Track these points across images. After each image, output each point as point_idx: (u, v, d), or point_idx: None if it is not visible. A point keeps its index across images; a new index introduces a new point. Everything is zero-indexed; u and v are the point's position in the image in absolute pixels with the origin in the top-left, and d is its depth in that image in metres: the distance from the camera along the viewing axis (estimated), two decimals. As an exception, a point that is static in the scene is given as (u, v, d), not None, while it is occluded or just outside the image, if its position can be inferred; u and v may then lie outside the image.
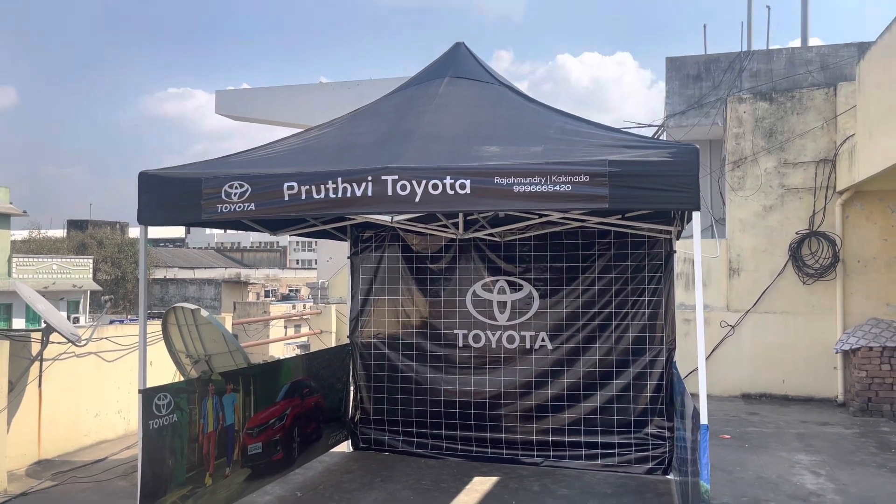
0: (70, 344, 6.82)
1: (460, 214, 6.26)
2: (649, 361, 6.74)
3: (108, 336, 7.72)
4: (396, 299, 7.50)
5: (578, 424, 6.88)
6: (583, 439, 6.86)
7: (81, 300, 39.49)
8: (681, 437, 5.48)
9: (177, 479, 4.78)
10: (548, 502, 5.87)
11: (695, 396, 4.47)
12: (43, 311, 6.46)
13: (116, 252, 50.99)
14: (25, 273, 36.78)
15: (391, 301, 7.52)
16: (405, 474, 6.65)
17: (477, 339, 7.22)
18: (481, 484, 6.37)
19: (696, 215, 3.75)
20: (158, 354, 7.73)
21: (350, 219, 6.37)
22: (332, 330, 12.21)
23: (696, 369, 3.95)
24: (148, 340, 8.07)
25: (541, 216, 6.43)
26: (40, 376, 6.93)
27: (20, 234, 55.20)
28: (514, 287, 7.15)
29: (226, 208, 4.36)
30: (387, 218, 6.52)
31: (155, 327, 7.71)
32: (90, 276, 40.92)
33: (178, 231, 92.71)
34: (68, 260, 40.44)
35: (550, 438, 6.94)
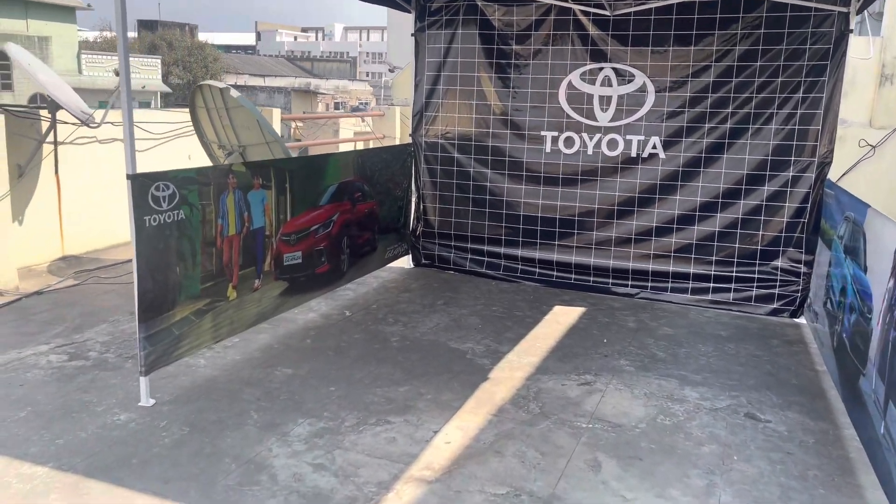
0: (84, 125, 5.78)
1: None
2: (792, 178, 5.24)
3: (137, 122, 6.62)
4: (471, 90, 6.06)
5: (688, 252, 5.59)
6: (692, 270, 5.59)
7: (152, 102, 39.17)
8: (839, 274, 4.14)
9: (188, 290, 3.80)
10: (647, 343, 4.75)
11: None
12: (46, 82, 5.35)
13: (186, 55, 49.90)
14: (95, 71, 36.33)
15: (464, 92, 6.09)
16: (472, 298, 5.61)
17: (569, 142, 5.81)
18: (563, 315, 5.29)
19: None
20: (197, 147, 6.67)
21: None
22: (395, 135, 10.95)
23: None
24: (181, 131, 7.01)
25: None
26: (56, 162, 6.00)
27: (91, 35, 54.48)
28: (624, 77, 5.57)
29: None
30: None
31: (187, 115, 6.58)
32: (159, 76, 40.28)
33: (248, 38, 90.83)
34: (137, 59, 39.60)
35: (650, 266, 5.71)
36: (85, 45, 41.82)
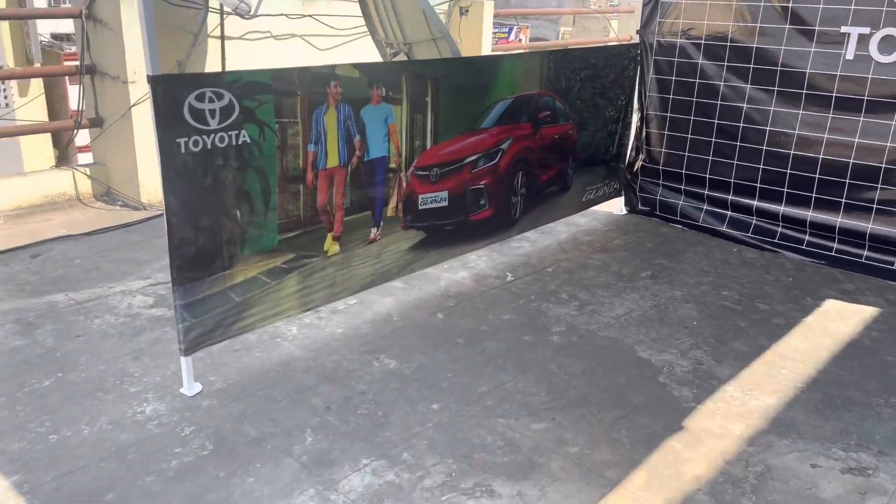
0: (237, 15, 4.95)
1: None
2: None
3: (316, 13, 5.72)
4: (734, -36, 4.12)
5: None
6: None
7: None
8: None
9: (258, 241, 2.75)
10: None
11: None
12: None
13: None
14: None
15: (724, -32, 4.16)
16: (697, 271, 3.92)
17: (889, 45, 3.68)
18: (838, 317, 3.42)
19: None
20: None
21: None
22: (647, 36, 8.89)
23: None
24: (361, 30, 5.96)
25: None
26: (223, 59, 5.30)
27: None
28: None
29: None
30: None
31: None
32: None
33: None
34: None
35: None
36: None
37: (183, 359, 2.65)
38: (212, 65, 5.29)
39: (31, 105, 6.43)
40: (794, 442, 2.48)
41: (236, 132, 2.57)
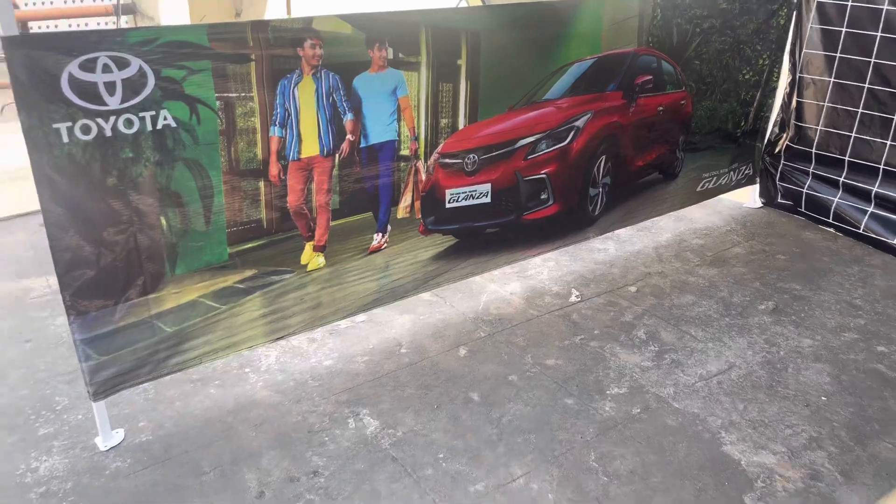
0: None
1: None
2: None
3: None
4: None
5: None
6: None
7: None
8: None
9: (195, 257, 2.08)
10: None
11: None
12: None
13: None
14: None
15: None
16: (845, 307, 2.79)
17: None
18: None
19: None
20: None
21: None
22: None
23: None
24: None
25: None
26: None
27: None
28: None
29: None
30: None
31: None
32: None
33: None
34: None
35: None
36: None
37: (94, 405, 2.06)
38: (276, 9, 4.62)
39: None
40: None
41: (152, 113, 1.86)
